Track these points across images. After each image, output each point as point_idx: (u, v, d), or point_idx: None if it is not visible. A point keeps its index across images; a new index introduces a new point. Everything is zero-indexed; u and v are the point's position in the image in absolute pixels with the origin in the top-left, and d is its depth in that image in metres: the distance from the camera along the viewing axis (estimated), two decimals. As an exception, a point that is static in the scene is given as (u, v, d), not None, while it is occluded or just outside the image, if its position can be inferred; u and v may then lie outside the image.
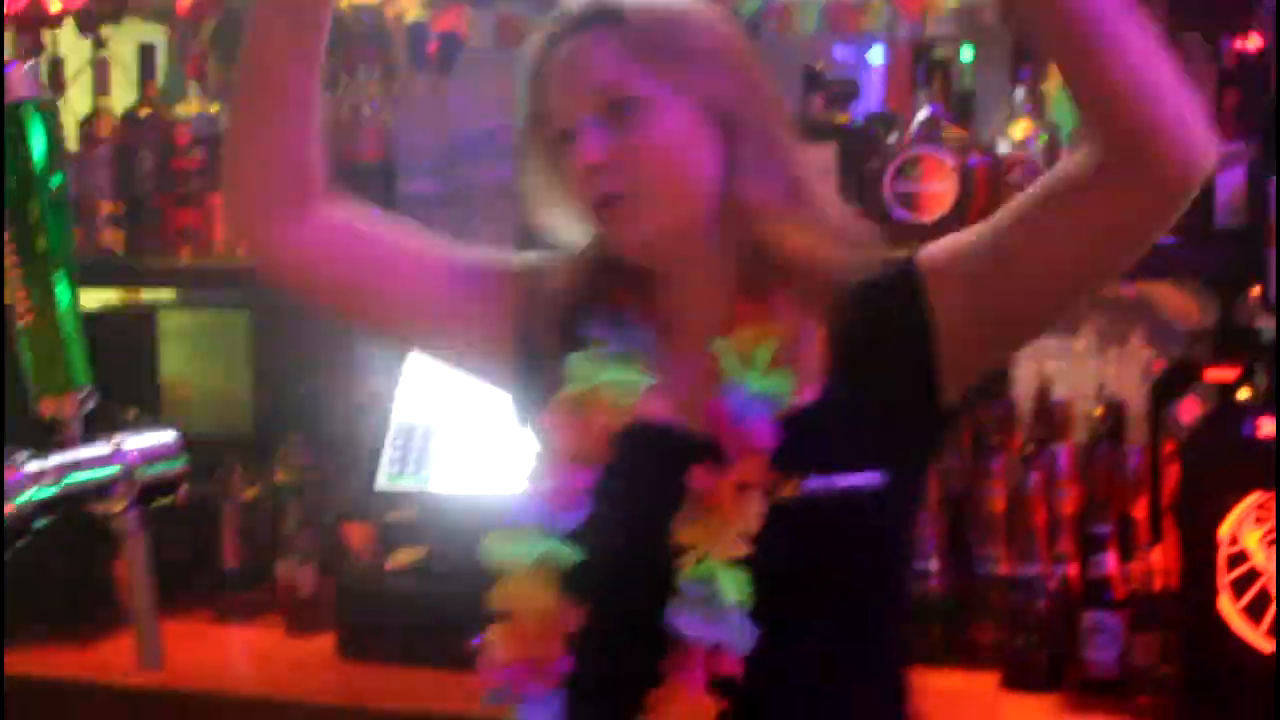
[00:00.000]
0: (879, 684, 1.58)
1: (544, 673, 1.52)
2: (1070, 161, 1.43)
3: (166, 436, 0.89)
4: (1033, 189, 1.46)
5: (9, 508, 0.76)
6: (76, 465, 0.84)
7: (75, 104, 3.01)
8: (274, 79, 1.55)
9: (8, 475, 0.77)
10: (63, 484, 0.83)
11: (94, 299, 3.12)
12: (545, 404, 1.58)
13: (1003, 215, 1.49)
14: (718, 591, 1.44)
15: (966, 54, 2.69)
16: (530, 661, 1.53)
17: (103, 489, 0.86)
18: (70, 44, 3.03)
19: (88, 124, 2.94)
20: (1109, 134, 1.35)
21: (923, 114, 2.47)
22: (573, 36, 1.53)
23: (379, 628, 2.62)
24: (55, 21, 2.90)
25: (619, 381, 1.54)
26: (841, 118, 2.58)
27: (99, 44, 2.94)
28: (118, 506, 0.88)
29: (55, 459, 0.83)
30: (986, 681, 2.41)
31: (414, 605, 2.62)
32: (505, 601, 1.54)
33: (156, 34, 3.10)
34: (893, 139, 2.54)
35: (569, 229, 1.61)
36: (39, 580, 2.62)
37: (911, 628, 2.44)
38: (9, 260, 0.82)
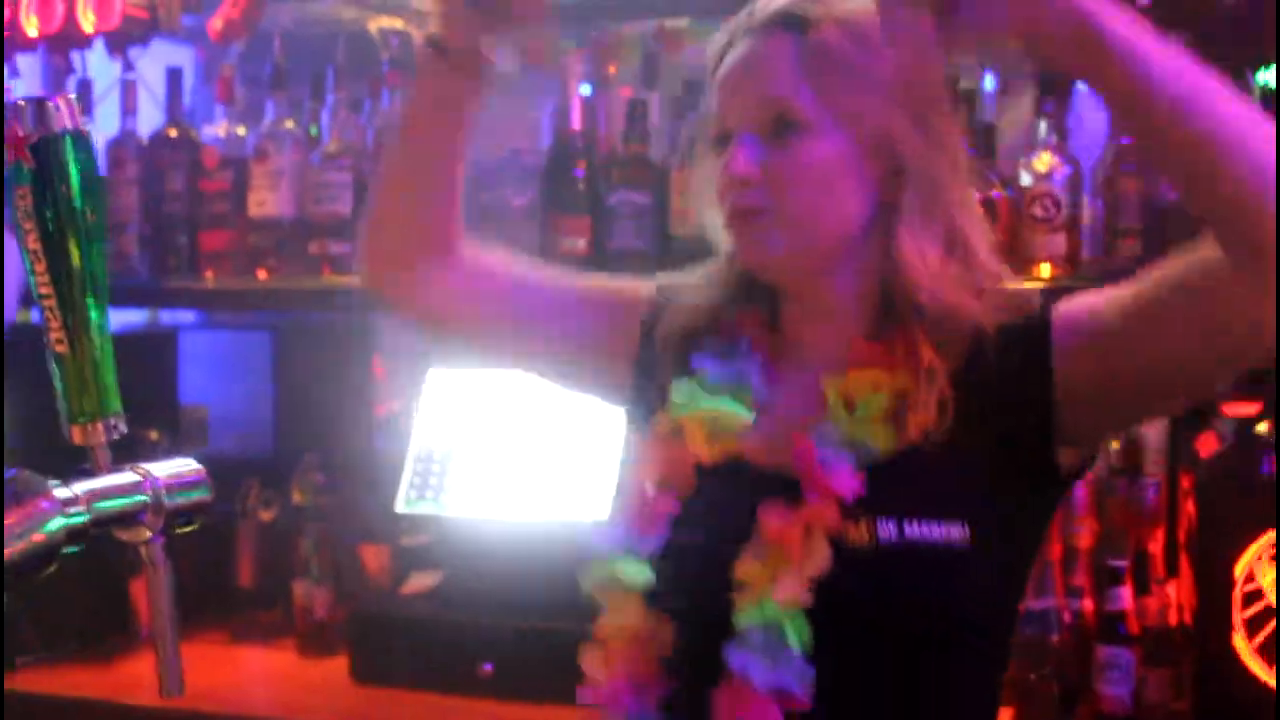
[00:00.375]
0: None
1: (642, 695, 1.51)
2: (1204, 248, 1.32)
3: (193, 465, 0.90)
4: (1169, 266, 1.37)
5: (39, 536, 0.77)
6: (106, 493, 0.85)
7: (103, 125, 3.03)
8: (427, 162, 1.64)
9: (40, 503, 0.78)
10: (92, 511, 0.83)
11: (117, 320, 3.14)
12: (645, 418, 1.61)
13: (1136, 286, 1.40)
14: (776, 635, 1.41)
15: (989, 84, 2.71)
16: (630, 683, 1.51)
17: (130, 516, 0.87)
18: (99, 66, 3.05)
19: (115, 146, 2.96)
20: (1233, 234, 1.27)
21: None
22: (754, 38, 1.50)
23: (392, 651, 2.62)
24: (87, 43, 2.92)
25: (718, 413, 1.53)
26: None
27: (128, 66, 2.96)
28: (145, 534, 0.89)
29: (85, 485, 0.84)
30: (1001, 716, 2.40)
31: (428, 630, 2.63)
32: (604, 622, 1.53)
33: (184, 56, 3.14)
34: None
35: (716, 230, 1.58)
36: (59, 600, 2.64)
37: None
38: (44, 289, 0.83)
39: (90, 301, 0.83)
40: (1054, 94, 2.46)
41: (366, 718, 2.52)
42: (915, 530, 1.41)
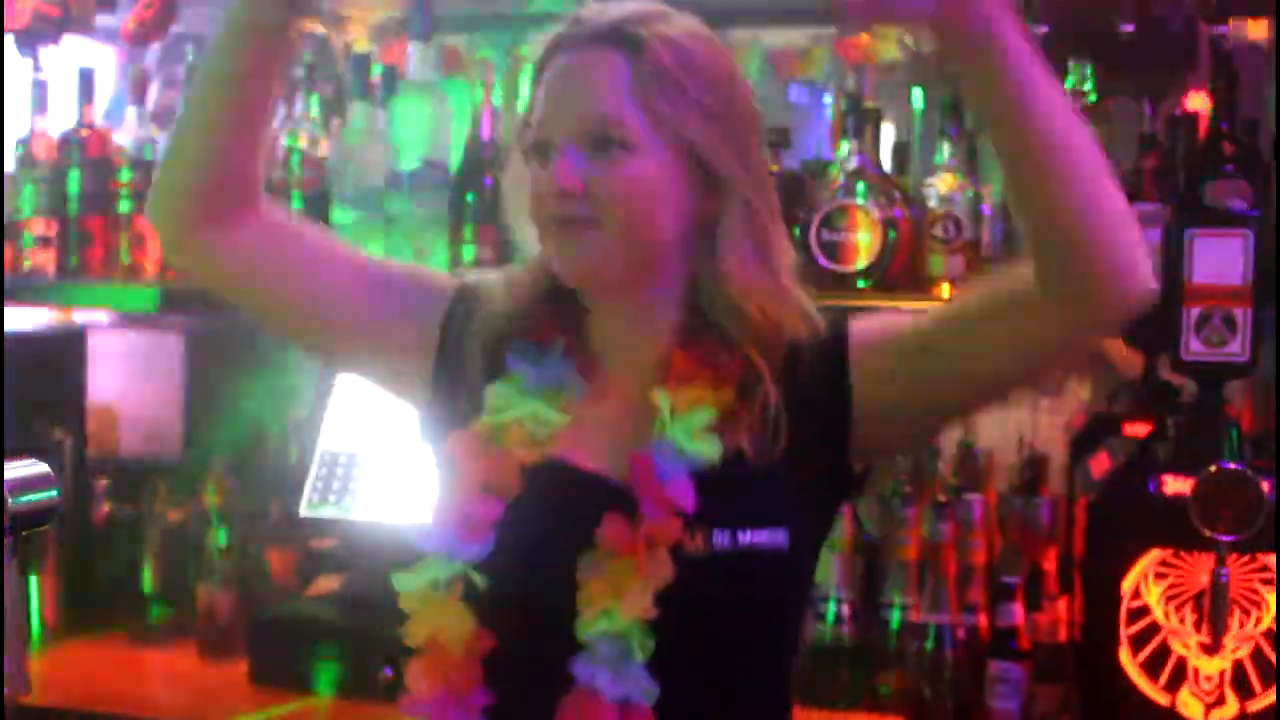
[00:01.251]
0: None
1: (465, 704, 1.51)
2: (1014, 275, 1.42)
3: (40, 468, 0.91)
4: (973, 293, 1.53)
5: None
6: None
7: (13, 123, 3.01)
8: (238, 93, 1.54)
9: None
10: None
11: (25, 319, 3.12)
12: (459, 428, 1.57)
13: (939, 311, 1.56)
14: (623, 648, 1.45)
15: (916, 100, 2.74)
16: (451, 693, 1.51)
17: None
18: (10, 62, 3.03)
19: (24, 144, 2.94)
20: (1057, 263, 1.36)
21: (851, 164, 2.51)
22: (584, 51, 1.51)
23: (292, 655, 2.61)
24: (-6, 39, 2.91)
25: (536, 416, 1.54)
26: (772, 166, 2.61)
27: (37, 66, 2.94)
28: (-8, 533, 0.90)
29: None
30: (895, 730, 2.44)
31: (327, 634, 2.63)
32: (418, 631, 1.53)
33: (108, 56, 3.12)
34: (821, 188, 2.56)
35: (530, 237, 1.59)
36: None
37: (818, 672, 2.48)
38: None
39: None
40: (957, 117, 2.49)
41: (261, 722, 2.51)
42: (747, 538, 1.47)
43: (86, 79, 2.93)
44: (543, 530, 1.51)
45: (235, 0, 1.52)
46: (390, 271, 1.67)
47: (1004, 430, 2.89)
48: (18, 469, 0.89)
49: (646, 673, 1.45)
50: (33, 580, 2.85)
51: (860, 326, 1.54)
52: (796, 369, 1.51)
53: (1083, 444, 2.64)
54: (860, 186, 2.48)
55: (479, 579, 1.49)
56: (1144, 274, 1.37)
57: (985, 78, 1.32)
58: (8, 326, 2.80)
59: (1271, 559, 2.13)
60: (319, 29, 3.16)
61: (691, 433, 1.49)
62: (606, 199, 1.49)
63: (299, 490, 2.76)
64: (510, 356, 1.56)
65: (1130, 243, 1.36)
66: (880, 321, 1.56)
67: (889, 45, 2.95)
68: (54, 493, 0.93)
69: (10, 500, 0.88)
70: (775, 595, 1.53)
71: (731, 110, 1.51)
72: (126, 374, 3.31)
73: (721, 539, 1.47)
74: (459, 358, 1.59)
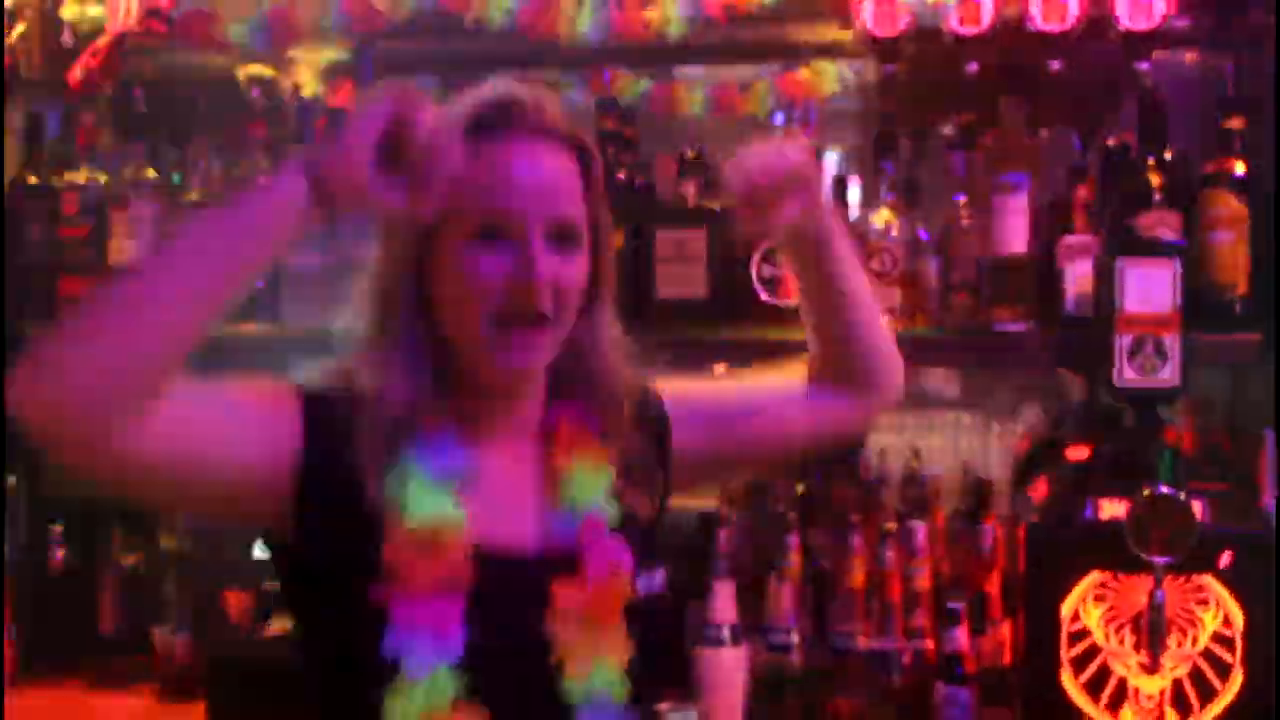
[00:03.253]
0: None
1: None
2: (802, 374, 1.84)
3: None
4: (766, 382, 1.87)
5: None
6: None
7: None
8: (173, 317, 1.39)
9: None
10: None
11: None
12: (351, 530, 1.52)
13: (738, 391, 1.86)
14: (611, 694, 1.56)
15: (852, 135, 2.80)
16: None
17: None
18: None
19: (-27, 192, 2.96)
20: (845, 366, 1.81)
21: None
22: (537, 143, 1.56)
23: (251, 695, 2.63)
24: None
25: (455, 507, 1.54)
26: (714, 203, 2.66)
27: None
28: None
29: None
30: (846, 753, 2.47)
31: (285, 673, 2.63)
32: None
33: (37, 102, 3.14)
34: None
35: (388, 323, 1.57)
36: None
37: (770, 699, 2.52)
38: None
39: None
40: (892, 154, 2.54)
41: (222, 765, 2.52)
42: (653, 582, 1.67)
43: (36, 124, 2.95)
44: (505, 613, 1.55)
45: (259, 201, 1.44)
46: (239, 401, 1.52)
47: (954, 455, 2.95)
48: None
49: (627, 712, 1.59)
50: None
51: (672, 390, 1.77)
52: (643, 424, 1.69)
53: (1025, 469, 2.68)
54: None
55: (459, 678, 1.50)
56: (898, 375, 1.85)
57: (817, 260, 1.74)
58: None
59: (1207, 579, 2.17)
60: (266, 72, 3.20)
61: (598, 494, 1.63)
62: (566, 298, 1.56)
63: (254, 532, 2.78)
64: (410, 450, 1.54)
65: (893, 351, 1.84)
66: (686, 387, 1.80)
67: (829, 80, 3.01)
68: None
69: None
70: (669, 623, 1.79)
71: (608, 209, 1.66)
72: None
73: (640, 583, 1.63)
74: (328, 454, 1.52)
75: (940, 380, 3.64)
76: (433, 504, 1.53)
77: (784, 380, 1.86)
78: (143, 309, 1.37)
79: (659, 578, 1.74)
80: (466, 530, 1.54)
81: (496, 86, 1.58)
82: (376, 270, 1.61)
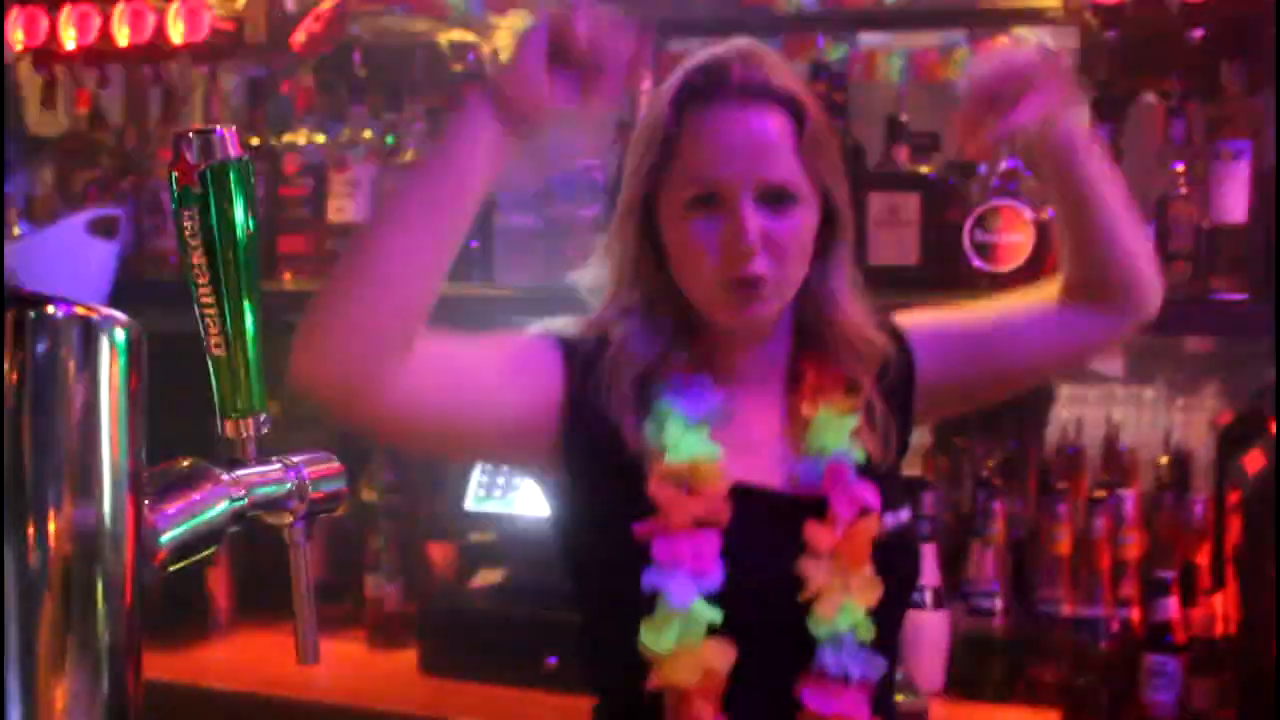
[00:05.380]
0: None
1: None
2: (1054, 290, 1.79)
3: (331, 460, 1.00)
4: (1016, 302, 1.84)
5: (209, 517, 0.87)
6: (261, 481, 0.95)
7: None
8: (405, 271, 1.50)
9: (211, 487, 0.88)
10: (250, 496, 0.93)
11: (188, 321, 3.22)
12: (615, 471, 1.62)
13: (987, 313, 1.82)
14: (855, 635, 1.60)
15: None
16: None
17: (279, 502, 0.97)
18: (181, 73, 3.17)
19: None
20: (1100, 281, 1.76)
21: (1002, 166, 2.56)
22: (749, 110, 1.59)
23: (460, 645, 2.72)
24: (175, 54, 3.04)
25: (710, 448, 1.62)
26: (925, 168, 2.67)
27: (212, 76, 3.07)
28: (289, 519, 0.99)
29: (243, 473, 0.94)
30: (1048, 719, 2.48)
31: (494, 624, 2.73)
32: (679, 674, 1.57)
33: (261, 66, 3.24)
34: (971, 186, 2.62)
35: (628, 279, 1.66)
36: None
37: (973, 665, 2.54)
38: (205, 299, 0.93)
39: (248, 308, 0.93)
40: (1110, 120, 2.53)
41: (435, 707, 2.60)
42: (897, 518, 1.69)
43: (256, 88, 3.06)
44: (759, 550, 1.62)
45: (459, 126, 1.53)
46: (504, 354, 1.65)
47: (1141, 429, 2.93)
48: (313, 460, 0.99)
49: (876, 655, 1.61)
50: (206, 571, 2.98)
51: (915, 322, 1.78)
52: (885, 375, 1.72)
53: (1231, 442, 2.66)
54: (1013, 187, 2.53)
55: (716, 610, 1.57)
56: (1158, 289, 1.79)
57: (1067, 171, 1.70)
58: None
59: None
60: (469, 37, 3.27)
61: (845, 439, 1.66)
62: (780, 254, 1.60)
63: (455, 484, 2.86)
64: (665, 396, 1.64)
65: (1150, 263, 1.78)
66: (928, 316, 1.81)
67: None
68: (343, 482, 1.02)
69: (310, 488, 0.97)
70: (916, 563, 1.78)
71: (839, 151, 1.69)
72: (281, 372, 3.41)
73: (888, 521, 1.66)
74: (588, 402, 1.62)
75: (1116, 355, 3.63)
76: (689, 444, 1.61)
77: (1032, 300, 1.83)
78: (379, 264, 1.48)
79: (905, 514, 1.71)
80: (723, 469, 1.61)
81: (708, 53, 1.64)
82: (613, 231, 1.69)
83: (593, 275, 1.72)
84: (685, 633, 1.56)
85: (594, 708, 1.74)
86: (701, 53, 1.65)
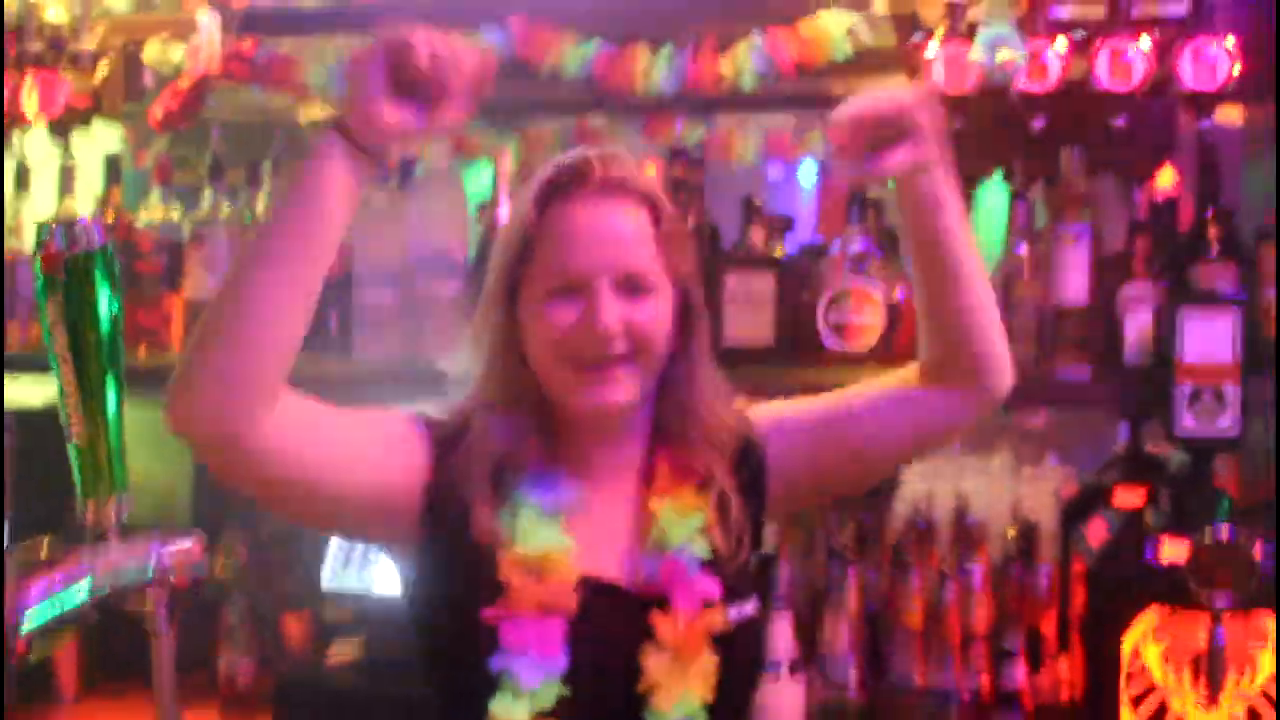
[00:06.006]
0: None
1: None
2: (907, 374, 1.81)
3: (191, 543, 1.01)
4: (869, 387, 1.83)
5: (66, 601, 0.88)
6: (121, 564, 0.96)
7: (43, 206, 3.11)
8: (272, 311, 1.51)
9: (69, 569, 0.88)
10: (111, 579, 0.94)
11: (41, 395, 3.17)
12: (468, 555, 1.66)
13: (840, 400, 1.83)
14: None
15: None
16: None
17: (139, 587, 0.98)
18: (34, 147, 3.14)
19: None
20: (954, 358, 1.76)
21: (854, 248, 2.63)
22: (602, 201, 1.67)
23: (317, 718, 2.69)
24: (27, 124, 3.01)
25: (561, 540, 1.67)
26: (778, 250, 2.73)
27: (67, 150, 3.05)
28: (149, 605, 1.00)
29: (103, 558, 0.94)
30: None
31: (351, 699, 2.70)
32: None
33: (115, 135, 3.22)
34: (824, 267, 2.68)
35: (491, 370, 1.71)
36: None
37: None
38: (68, 388, 0.93)
39: (110, 392, 0.93)
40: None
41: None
42: (740, 612, 1.72)
43: (113, 165, 3.04)
44: (602, 641, 1.67)
45: (309, 171, 1.51)
46: (372, 427, 1.68)
47: (987, 501, 3.01)
48: (175, 544, 1.00)
49: None
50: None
51: (764, 414, 1.81)
52: (740, 467, 1.76)
53: (1074, 512, 2.74)
54: (864, 269, 2.60)
55: (559, 690, 1.63)
56: (1009, 369, 1.79)
57: (928, 223, 1.69)
58: (20, 401, 2.89)
59: (1267, 619, 2.23)
60: (330, 114, 3.27)
61: (690, 534, 1.71)
62: (641, 338, 1.66)
63: (311, 558, 2.85)
64: (521, 486, 1.68)
65: (1003, 343, 1.78)
66: (778, 407, 1.83)
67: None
68: (202, 566, 1.03)
69: (169, 574, 0.98)
70: (762, 653, 1.82)
71: (691, 241, 1.77)
72: (137, 446, 3.36)
73: (732, 614, 1.70)
74: (449, 485, 1.66)
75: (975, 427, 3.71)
76: (542, 535, 1.66)
77: (886, 384, 1.83)
78: (243, 306, 1.49)
79: (751, 607, 1.74)
80: (573, 560, 1.66)
81: (569, 153, 1.72)
82: (477, 321, 1.73)
83: (458, 364, 1.76)
84: (535, 707, 1.62)
85: None
86: (563, 154, 1.72)
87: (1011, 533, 2.79)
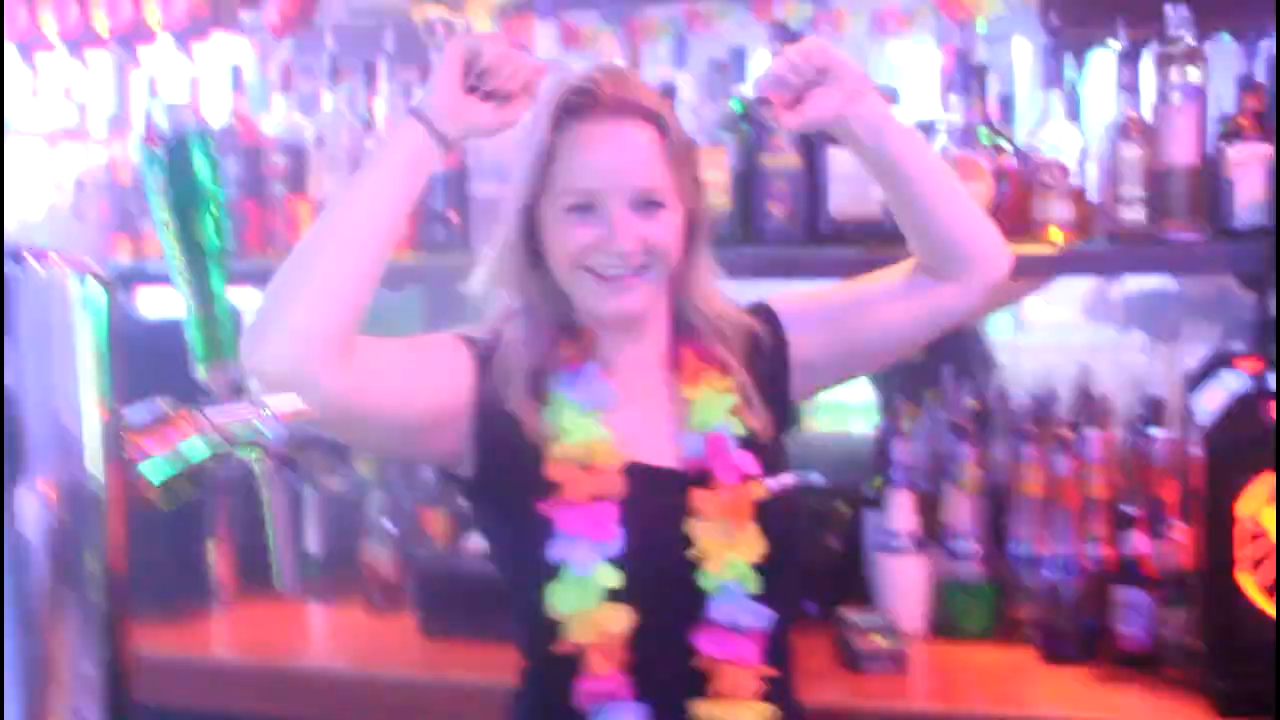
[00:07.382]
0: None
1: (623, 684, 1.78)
2: (908, 266, 2.00)
3: (301, 403, 1.08)
4: (878, 278, 2.03)
5: (182, 454, 0.94)
6: (232, 419, 1.02)
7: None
8: (349, 273, 1.69)
9: (195, 426, 0.95)
10: (223, 433, 1.00)
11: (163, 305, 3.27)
12: (519, 456, 1.82)
13: (851, 289, 2.04)
14: (742, 587, 1.81)
15: (1007, 56, 2.84)
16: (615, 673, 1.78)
17: (254, 439, 1.04)
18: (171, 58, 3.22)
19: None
20: (940, 255, 1.96)
21: (961, 118, 2.62)
22: (618, 121, 1.81)
23: (458, 606, 2.78)
24: (153, 38, 3.10)
25: (601, 431, 1.83)
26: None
27: (191, 60, 3.13)
28: (262, 455, 1.07)
29: (220, 412, 1.01)
30: (1025, 656, 2.54)
31: (488, 585, 2.77)
32: (583, 632, 1.77)
33: (241, 52, 3.30)
34: (931, 139, 2.67)
35: (514, 283, 1.87)
36: (136, 562, 2.78)
37: (951, 607, 2.61)
38: (179, 260, 1.00)
39: (213, 269, 1.00)
40: (1062, 68, 2.58)
41: (436, 668, 2.65)
42: (779, 483, 1.89)
43: (236, 73, 3.11)
44: (652, 518, 1.82)
45: (392, 147, 1.76)
46: (422, 353, 1.87)
47: (1118, 373, 3.00)
48: (282, 401, 1.06)
49: (760, 605, 1.82)
50: (209, 545, 3.04)
51: (784, 302, 2.00)
52: (759, 355, 1.94)
53: (1196, 380, 2.72)
54: (970, 138, 2.59)
55: (616, 571, 1.77)
56: (1001, 257, 2.00)
57: (877, 149, 1.88)
58: (161, 313, 3.00)
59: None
60: (442, 12, 3.31)
61: (724, 415, 1.88)
62: (655, 251, 1.82)
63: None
64: (559, 387, 1.85)
65: (988, 233, 1.98)
66: (799, 295, 2.03)
67: (993, 0, 3.05)
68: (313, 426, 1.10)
69: (280, 426, 1.04)
70: (801, 523, 2.00)
71: (698, 163, 1.92)
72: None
73: (771, 486, 1.87)
74: (498, 398, 1.83)
75: (1103, 300, 3.69)
76: (584, 429, 1.83)
77: (892, 274, 2.02)
78: (319, 272, 1.67)
79: (788, 479, 1.90)
80: (616, 449, 1.82)
81: (580, 71, 1.87)
82: (497, 239, 1.89)
83: (480, 282, 1.91)
84: (585, 598, 1.75)
85: (520, 669, 1.91)
86: (571, 74, 1.86)
87: (1134, 401, 2.79)
